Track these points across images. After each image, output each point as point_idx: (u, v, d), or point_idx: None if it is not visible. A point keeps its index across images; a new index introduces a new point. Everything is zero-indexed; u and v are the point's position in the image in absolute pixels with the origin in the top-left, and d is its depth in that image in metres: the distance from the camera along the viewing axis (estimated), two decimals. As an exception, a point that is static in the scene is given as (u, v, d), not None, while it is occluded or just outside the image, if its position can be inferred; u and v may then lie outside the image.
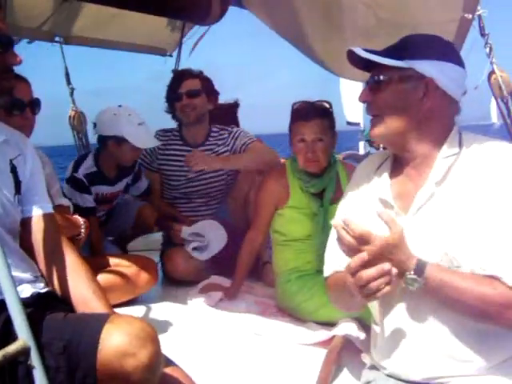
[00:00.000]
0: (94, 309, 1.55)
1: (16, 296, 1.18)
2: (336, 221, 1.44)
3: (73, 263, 1.63)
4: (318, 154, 2.55)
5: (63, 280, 1.60)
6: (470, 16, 2.07)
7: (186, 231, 3.20)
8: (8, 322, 1.21)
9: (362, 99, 1.57)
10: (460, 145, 1.49)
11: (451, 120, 1.53)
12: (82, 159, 3.09)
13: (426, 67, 1.46)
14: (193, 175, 3.33)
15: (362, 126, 10.58)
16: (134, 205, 3.37)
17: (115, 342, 1.30)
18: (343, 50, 1.57)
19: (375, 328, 1.65)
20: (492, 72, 2.45)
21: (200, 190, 3.41)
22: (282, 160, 3.27)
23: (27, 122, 2.40)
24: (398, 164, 1.60)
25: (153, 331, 1.37)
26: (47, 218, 1.67)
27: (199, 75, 3.38)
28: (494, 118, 2.67)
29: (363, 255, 1.33)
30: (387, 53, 1.51)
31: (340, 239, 1.42)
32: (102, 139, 3.05)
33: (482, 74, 2.45)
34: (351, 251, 1.39)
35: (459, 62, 1.51)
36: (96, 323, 1.36)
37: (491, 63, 2.41)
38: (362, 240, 1.37)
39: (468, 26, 2.26)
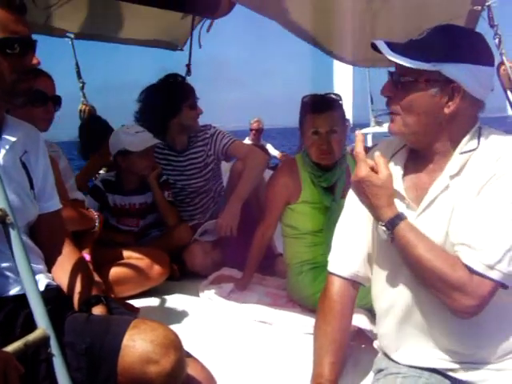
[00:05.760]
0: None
1: (35, 287, 1.22)
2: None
3: (67, 256, 1.69)
4: (333, 145, 2.55)
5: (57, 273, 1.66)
6: (480, 8, 2.04)
7: (198, 233, 3.29)
8: (30, 315, 1.23)
9: (385, 94, 1.52)
10: (479, 140, 1.46)
11: (474, 118, 1.49)
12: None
13: (454, 71, 1.40)
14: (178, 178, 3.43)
15: (350, 122, 10.35)
16: None
17: (139, 348, 1.32)
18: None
19: (379, 319, 1.68)
20: (501, 63, 2.41)
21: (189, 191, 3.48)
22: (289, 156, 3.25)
23: (48, 116, 2.46)
24: (414, 154, 1.57)
25: (176, 338, 1.39)
26: (55, 214, 1.72)
27: None
28: (510, 111, 2.64)
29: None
30: (413, 49, 1.44)
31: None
32: (114, 159, 3.21)
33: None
34: None
35: (489, 61, 1.45)
36: (119, 327, 1.38)
37: (501, 54, 2.37)
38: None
39: (477, 18, 2.23)
